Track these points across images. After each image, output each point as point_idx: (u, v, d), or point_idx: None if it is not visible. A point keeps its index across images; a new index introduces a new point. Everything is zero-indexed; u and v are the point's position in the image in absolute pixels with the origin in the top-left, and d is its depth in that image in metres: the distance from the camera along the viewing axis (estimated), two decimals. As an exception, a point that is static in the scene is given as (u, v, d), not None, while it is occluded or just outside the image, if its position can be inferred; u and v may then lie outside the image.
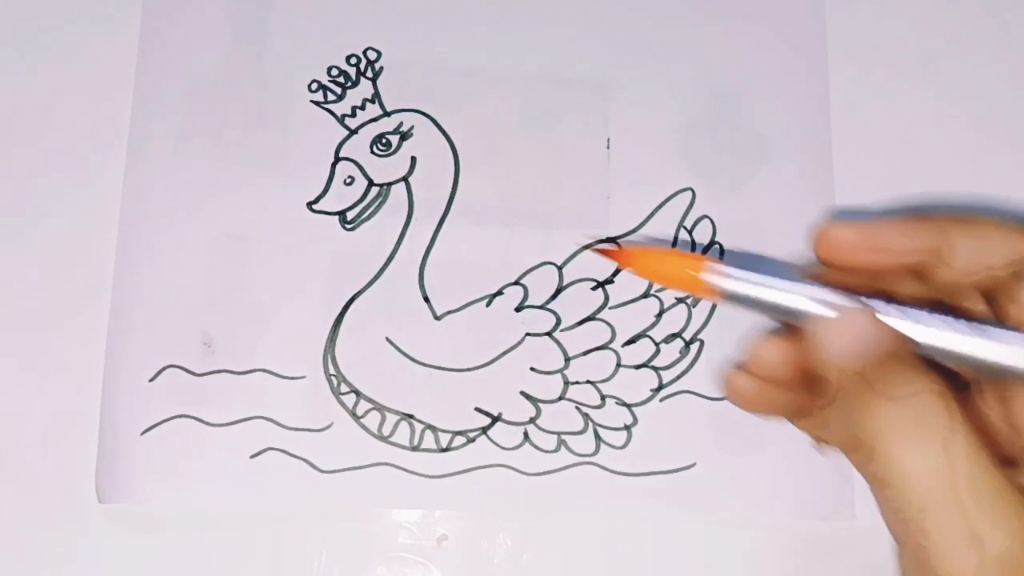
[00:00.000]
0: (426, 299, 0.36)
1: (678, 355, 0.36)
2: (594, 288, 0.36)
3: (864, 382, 0.23)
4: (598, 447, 0.35)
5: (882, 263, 0.25)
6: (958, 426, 0.22)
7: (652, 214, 0.37)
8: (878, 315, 0.24)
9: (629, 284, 0.36)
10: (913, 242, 0.25)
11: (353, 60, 0.37)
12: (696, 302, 0.36)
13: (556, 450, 0.35)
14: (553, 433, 0.35)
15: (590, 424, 0.35)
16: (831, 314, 0.24)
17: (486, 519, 0.35)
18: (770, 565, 0.35)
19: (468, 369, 0.35)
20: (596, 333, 0.36)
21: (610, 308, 0.36)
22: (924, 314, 0.24)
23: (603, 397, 0.35)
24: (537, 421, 0.35)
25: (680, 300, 0.36)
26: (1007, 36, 0.40)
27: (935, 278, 0.26)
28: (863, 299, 0.24)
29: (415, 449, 0.35)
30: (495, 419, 0.35)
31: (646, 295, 0.36)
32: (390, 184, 0.37)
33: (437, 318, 0.36)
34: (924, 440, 0.22)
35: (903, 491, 0.22)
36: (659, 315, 0.36)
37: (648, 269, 0.29)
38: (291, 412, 0.34)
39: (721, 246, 0.37)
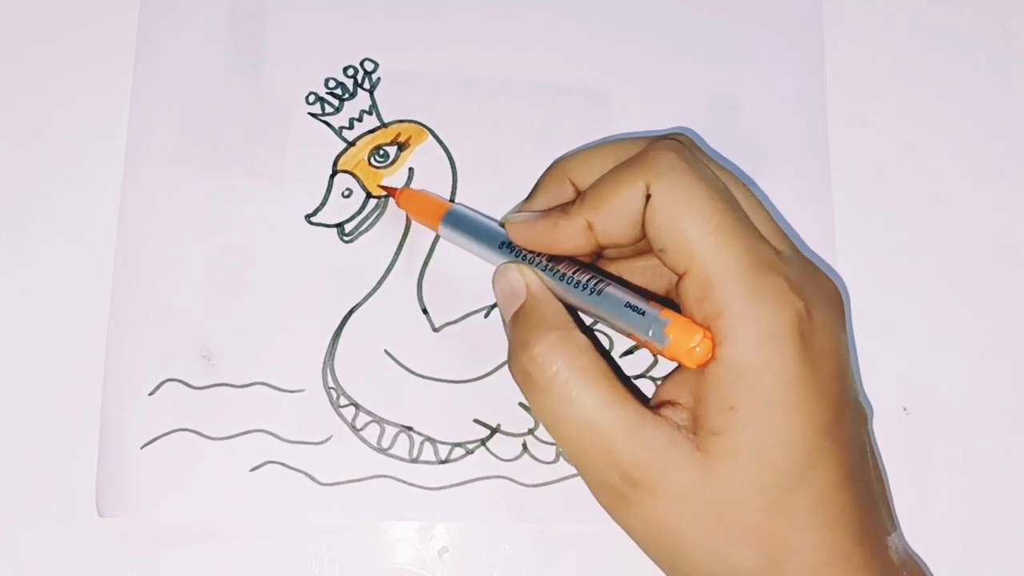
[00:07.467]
0: (424, 311, 0.36)
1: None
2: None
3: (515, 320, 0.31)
4: (597, 458, 0.35)
5: (563, 253, 0.31)
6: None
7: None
8: (512, 273, 0.31)
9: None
10: (569, 241, 0.30)
11: (350, 71, 0.37)
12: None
13: (555, 461, 0.35)
14: (551, 444, 0.35)
15: (589, 435, 0.35)
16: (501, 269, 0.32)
17: (486, 530, 0.35)
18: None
19: (467, 381, 0.35)
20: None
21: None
22: (551, 276, 0.31)
23: (601, 408, 0.35)
24: (536, 432, 0.35)
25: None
26: (1007, 45, 0.40)
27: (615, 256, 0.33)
28: (530, 263, 0.31)
29: (414, 461, 0.35)
30: (494, 430, 0.35)
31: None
32: (388, 196, 0.37)
33: (436, 330, 0.36)
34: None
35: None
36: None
37: (407, 204, 0.36)
38: (290, 425, 0.35)
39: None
